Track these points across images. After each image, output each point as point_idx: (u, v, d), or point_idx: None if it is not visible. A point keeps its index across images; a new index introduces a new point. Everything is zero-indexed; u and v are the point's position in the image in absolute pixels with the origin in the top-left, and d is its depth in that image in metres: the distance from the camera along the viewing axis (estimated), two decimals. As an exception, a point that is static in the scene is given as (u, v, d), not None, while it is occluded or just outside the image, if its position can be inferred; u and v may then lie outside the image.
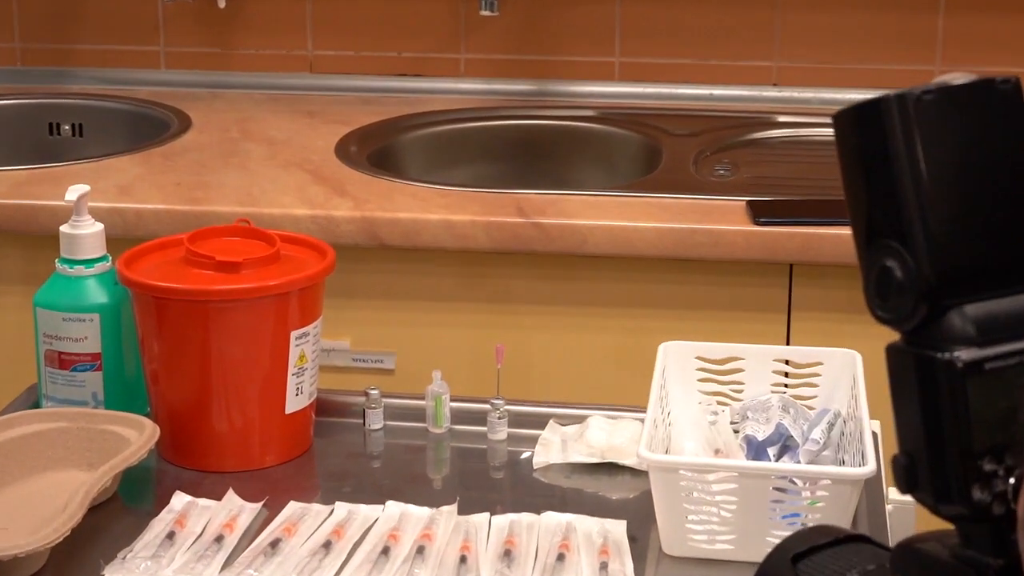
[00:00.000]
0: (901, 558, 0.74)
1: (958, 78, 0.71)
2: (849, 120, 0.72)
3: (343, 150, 2.16)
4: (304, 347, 1.37)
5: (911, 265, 0.69)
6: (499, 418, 1.44)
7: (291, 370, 1.36)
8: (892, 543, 1.22)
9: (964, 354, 0.69)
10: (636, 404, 1.39)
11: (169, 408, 1.36)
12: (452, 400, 1.46)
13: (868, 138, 0.71)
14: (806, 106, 2.36)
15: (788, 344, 1.86)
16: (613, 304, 1.93)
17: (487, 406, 1.45)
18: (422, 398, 1.45)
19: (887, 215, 0.70)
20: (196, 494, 1.30)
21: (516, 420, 1.46)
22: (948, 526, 0.72)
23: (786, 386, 1.41)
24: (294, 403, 1.38)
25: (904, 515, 1.30)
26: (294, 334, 1.36)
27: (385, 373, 1.96)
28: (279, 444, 1.39)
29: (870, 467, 1.17)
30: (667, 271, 1.90)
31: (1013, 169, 0.71)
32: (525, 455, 1.41)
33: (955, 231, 0.70)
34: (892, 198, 0.70)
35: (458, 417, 1.46)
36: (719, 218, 1.88)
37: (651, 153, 2.20)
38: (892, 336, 0.72)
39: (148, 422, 1.32)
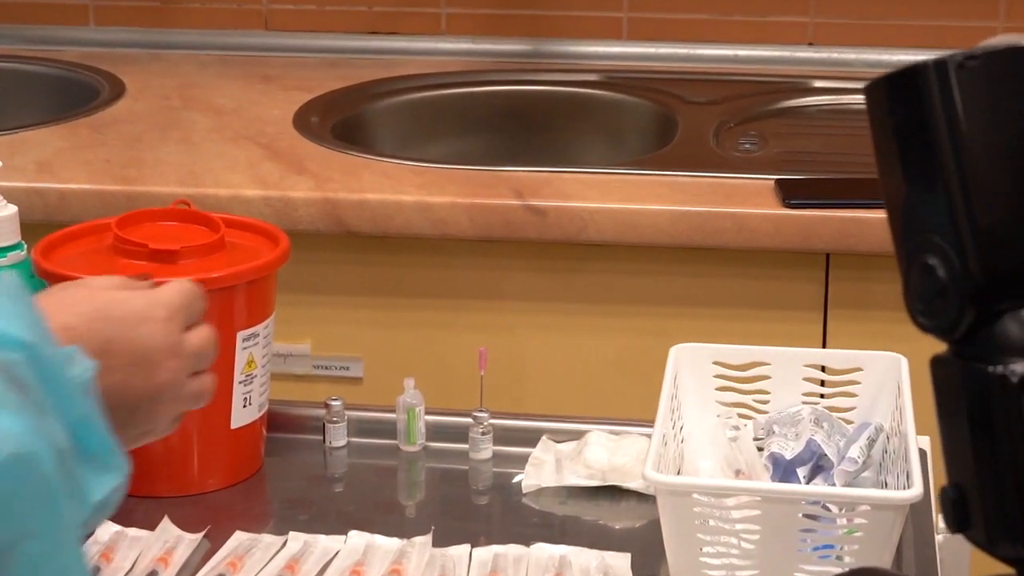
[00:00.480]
0: None
1: (1009, 40, 0.70)
2: (881, 92, 0.71)
3: (303, 121, 2.16)
4: (253, 350, 1.36)
5: (956, 263, 0.69)
6: (482, 434, 1.44)
7: (237, 377, 1.36)
8: (943, 578, 1.24)
9: (1020, 367, 0.68)
10: (644, 418, 1.39)
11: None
12: (428, 413, 1.46)
13: (904, 113, 0.70)
14: (846, 69, 2.36)
15: (824, 347, 1.86)
16: (618, 301, 1.93)
17: (468, 420, 1.45)
18: (392, 411, 1.45)
19: (927, 204, 0.70)
20: (125, 523, 1.29)
21: (503, 436, 1.46)
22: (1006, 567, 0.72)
23: (822, 396, 1.41)
24: (241, 416, 1.37)
25: (957, 547, 1.30)
26: (241, 335, 1.35)
27: (351, 382, 1.96)
28: (223, 464, 1.39)
29: (916, 490, 1.17)
30: (682, 262, 1.90)
31: None
32: (513, 478, 1.40)
33: (1007, 222, 0.69)
34: (933, 184, 0.69)
35: (435, 433, 1.46)
36: (743, 200, 1.88)
37: (664, 124, 2.20)
38: (942, 344, 0.72)
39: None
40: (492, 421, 1.45)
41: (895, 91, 0.71)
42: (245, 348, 1.36)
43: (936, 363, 0.71)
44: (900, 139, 0.71)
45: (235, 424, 1.37)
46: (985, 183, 0.69)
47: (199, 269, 1.34)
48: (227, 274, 1.34)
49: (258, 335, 1.37)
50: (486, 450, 1.44)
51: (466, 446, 1.45)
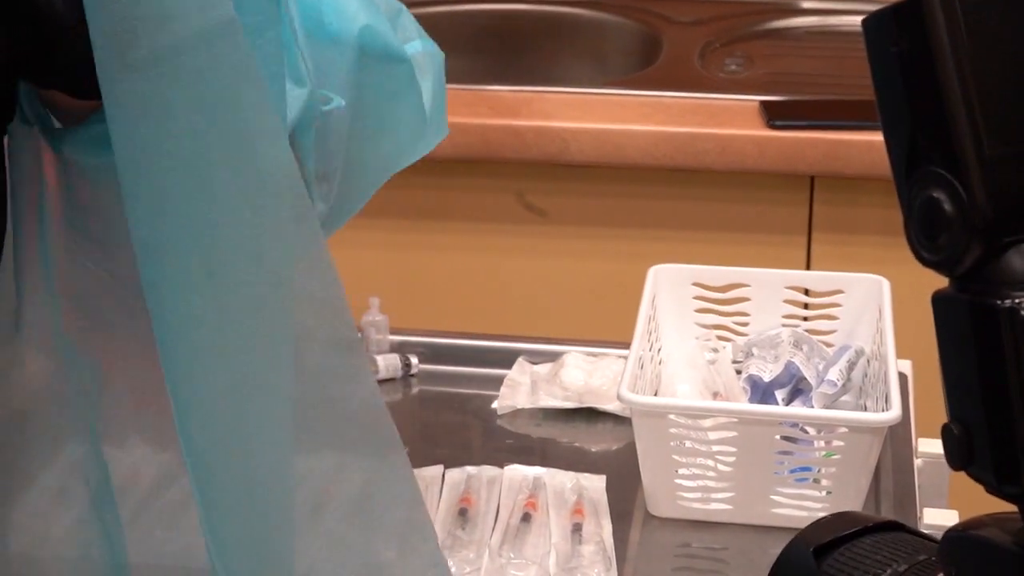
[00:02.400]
0: (953, 549, 0.73)
1: None
2: (883, 24, 0.70)
3: None
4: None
5: (963, 195, 0.68)
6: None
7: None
8: (921, 504, 1.23)
9: None
10: (622, 340, 1.38)
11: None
12: (401, 333, 1.45)
13: (907, 45, 0.69)
14: (836, -11, 2.33)
15: (808, 270, 1.85)
16: (599, 222, 1.91)
17: (446, 341, 1.45)
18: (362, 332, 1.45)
19: (932, 137, 0.68)
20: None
21: (479, 357, 1.46)
22: (999, 504, 0.71)
23: (805, 319, 1.40)
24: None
25: (936, 471, 1.30)
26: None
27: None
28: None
29: (894, 412, 1.16)
30: (664, 183, 1.88)
31: None
32: (488, 399, 1.40)
33: (1015, 153, 0.68)
34: (938, 116, 0.68)
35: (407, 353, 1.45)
36: (727, 121, 1.86)
37: (649, 44, 2.18)
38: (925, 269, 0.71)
39: None
40: (469, 342, 1.45)
41: (898, 22, 0.69)
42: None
43: (939, 299, 0.70)
44: (904, 71, 0.70)
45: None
46: (992, 114, 0.68)
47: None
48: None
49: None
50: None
51: (438, 367, 1.44)
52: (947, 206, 0.68)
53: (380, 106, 0.85)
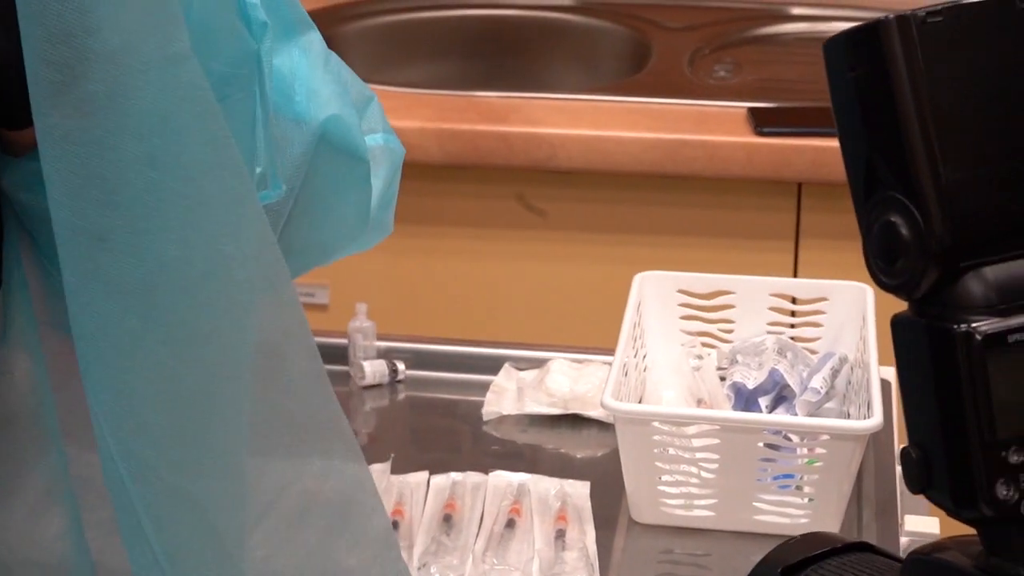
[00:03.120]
0: (915, 572, 0.74)
1: None
2: (841, 48, 0.70)
3: (271, 43, 2.14)
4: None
5: (919, 221, 0.68)
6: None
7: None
8: (903, 511, 1.24)
9: (984, 325, 0.68)
10: (608, 347, 1.39)
11: None
12: (388, 339, 1.46)
13: (864, 70, 0.69)
14: (825, -4, 2.34)
15: (795, 278, 1.86)
16: (587, 228, 1.92)
17: (438, 347, 1.46)
18: (353, 337, 1.45)
19: (890, 162, 0.69)
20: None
21: (465, 363, 1.46)
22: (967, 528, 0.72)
23: (792, 326, 1.41)
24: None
25: (919, 478, 1.30)
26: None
27: (316, 309, 1.95)
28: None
29: (875, 420, 1.17)
30: (652, 189, 1.89)
31: None
32: (474, 404, 1.40)
33: (970, 179, 0.68)
34: (895, 141, 0.68)
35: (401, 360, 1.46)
36: (715, 128, 1.87)
37: (639, 50, 2.19)
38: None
39: None
40: (456, 348, 1.45)
41: (856, 47, 0.70)
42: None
43: (898, 323, 0.71)
44: (861, 95, 0.70)
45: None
46: (948, 140, 0.68)
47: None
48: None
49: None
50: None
51: (426, 373, 1.45)
52: (904, 231, 0.69)
53: (327, 196, 0.84)
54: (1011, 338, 0.68)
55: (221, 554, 0.73)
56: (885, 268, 0.70)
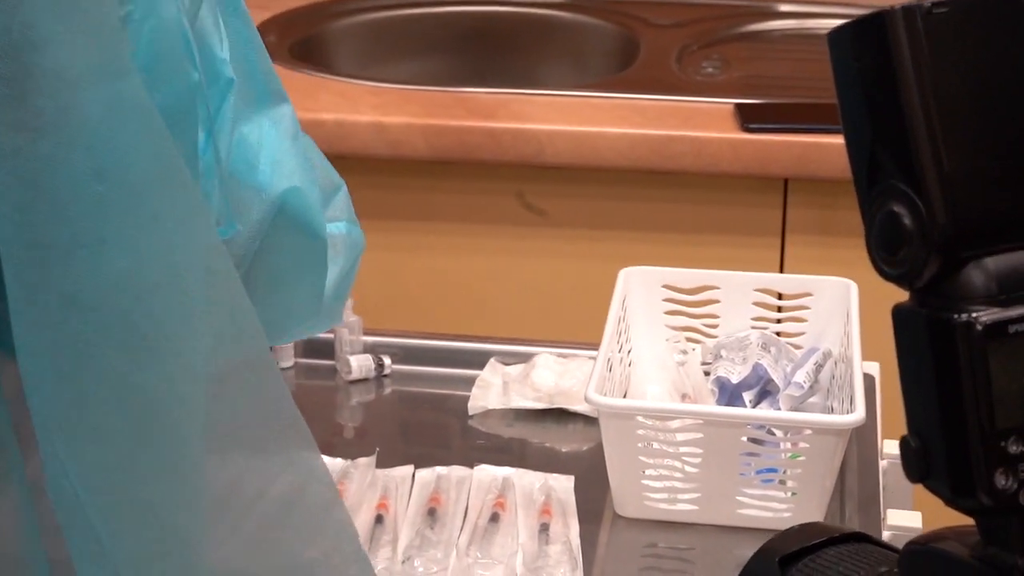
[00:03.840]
0: (912, 561, 0.74)
1: None
2: (846, 39, 0.70)
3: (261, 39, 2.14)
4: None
5: (922, 211, 0.68)
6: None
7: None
8: (886, 505, 1.24)
9: (985, 315, 0.68)
10: (594, 341, 1.39)
11: None
12: (374, 334, 1.46)
13: (870, 60, 0.69)
14: (813, -7, 2.34)
15: (782, 273, 1.86)
16: (574, 224, 1.92)
17: (424, 342, 1.46)
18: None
19: (894, 152, 0.69)
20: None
21: (452, 358, 1.47)
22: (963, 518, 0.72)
23: (779, 321, 1.41)
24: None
25: (902, 472, 1.30)
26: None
27: (305, 304, 1.96)
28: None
29: (858, 415, 1.17)
30: (639, 185, 1.89)
31: None
32: (460, 399, 1.40)
33: (974, 170, 0.68)
34: (899, 132, 0.69)
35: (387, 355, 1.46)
36: (703, 124, 1.87)
37: (627, 47, 2.19)
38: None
39: None
40: (442, 343, 1.46)
41: (861, 37, 0.70)
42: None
43: (898, 312, 0.71)
44: (866, 85, 0.70)
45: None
46: (951, 131, 0.69)
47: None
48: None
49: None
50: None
51: (412, 368, 1.45)
52: (907, 221, 0.69)
53: (280, 272, 0.83)
54: (1012, 328, 0.68)
55: (181, 557, 0.73)
56: (887, 258, 0.70)
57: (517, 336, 1.55)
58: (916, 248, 0.69)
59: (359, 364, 1.43)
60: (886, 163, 0.70)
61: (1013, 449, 0.69)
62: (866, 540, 0.83)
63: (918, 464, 0.70)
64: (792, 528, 0.84)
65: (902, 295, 0.72)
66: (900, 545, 0.76)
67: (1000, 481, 0.68)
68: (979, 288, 0.69)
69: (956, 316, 0.68)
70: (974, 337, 0.68)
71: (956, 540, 0.72)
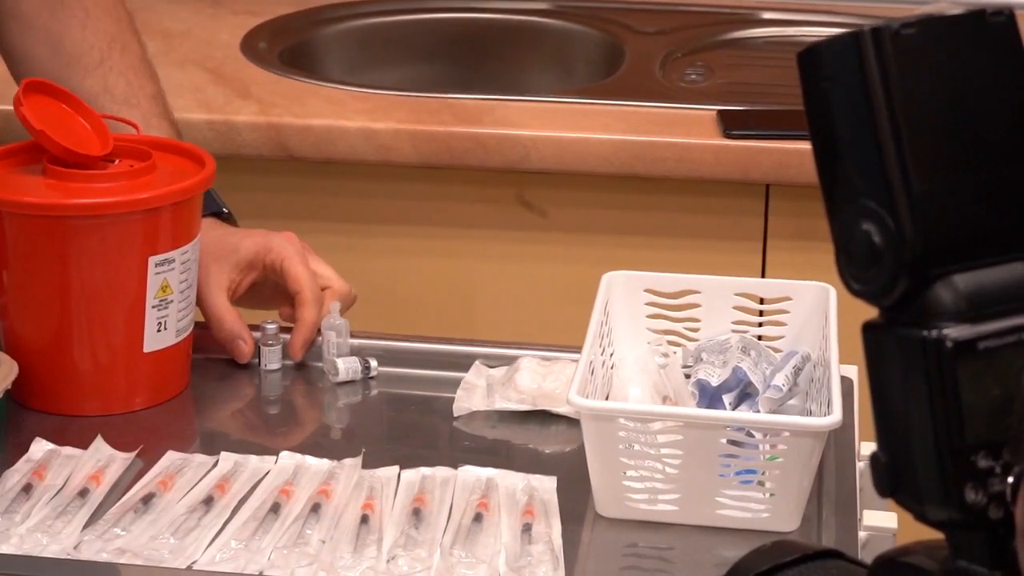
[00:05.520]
0: (882, 574, 0.75)
1: (944, 8, 0.70)
2: (816, 60, 0.71)
3: (250, 45, 2.15)
4: (168, 276, 1.37)
5: (892, 229, 0.69)
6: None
7: (150, 302, 1.36)
8: (862, 506, 1.25)
9: (954, 332, 0.68)
10: (577, 344, 1.40)
11: (22, 344, 1.37)
12: (361, 337, 1.47)
13: (839, 81, 0.70)
14: (795, 1, 2.35)
15: (763, 277, 1.87)
16: (559, 228, 1.93)
17: (408, 345, 1.46)
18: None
19: (862, 170, 0.70)
20: (59, 442, 1.30)
21: (437, 361, 1.47)
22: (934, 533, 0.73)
23: (760, 324, 1.42)
24: (155, 340, 1.38)
25: (879, 474, 1.32)
26: (153, 260, 1.35)
27: (292, 307, 1.96)
28: (146, 384, 1.40)
29: (834, 418, 1.18)
30: (623, 190, 1.90)
31: (1007, 116, 0.70)
32: (446, 401, 1.41)
33: (942, 188, 0.69)
34: (869, 151, 0.69)
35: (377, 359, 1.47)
36: (686, 130, 1.88)
37: (612, 53, 2.20)
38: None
39: (4, 357, 1.33)
40: (428, 346, 1.46)
41: (831, 58, 0.71)
42: (158, 273, 1.36)
43: (868, 329, 0.71)
44: (836, 105, 0.71)
45: (148, 348, 1.37)
46: (921, 149, 0.69)
47: (125, 190, 1.34)
48: (152, 196, 1.34)
49: (174, 260, 1.36)
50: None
51: (398, 370, 1.46)
52: (877, 239, 0.69)
53: None
54: (980, 345, 0.69)
55: None
56: (857, 275, 0.71)
57: (502, 339, 1.55)
58: (886, 266, 0.69)
59: (346, 367, 1.43)
60: (855, 182, 0.70)
61: (982, 464, 0.69)
62: (839, 557, 0.83)
63: (887, 479, 0.71)
64: (764, 545, 0.84)
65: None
66: (876, 548, 0.76)
67: (970, 496, 0.69)
68: (948, 305, 0.69)
69: (926, 333, 0.69)
70: (944, 354, 0.68)
71: (925, 554, 0.73)
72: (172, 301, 1.38)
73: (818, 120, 0.72)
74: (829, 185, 0.72)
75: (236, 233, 1.47)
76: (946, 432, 0.69)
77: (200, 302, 1.43)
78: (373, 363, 1.44)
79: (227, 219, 1.50)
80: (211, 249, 1.44)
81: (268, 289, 1.47)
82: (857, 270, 0.71)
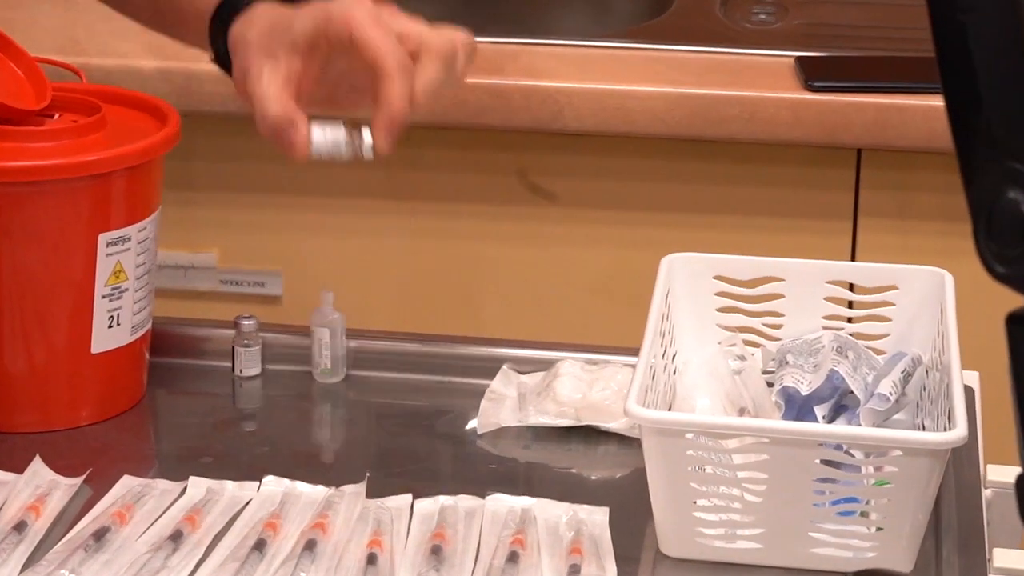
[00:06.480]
0: None
1: None
2: None
3: (212, -22, 2.15)
4: (122, 258, 1.37)
5: None
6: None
7: (100, 291, 1.37)
8: (991, 543, 1.25)
9: None
10: (628, 345, 1.40)
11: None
12: (359, 336, 1.47)
13: (980, 11, 0.70)
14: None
15: (854, 262, 1.87)
16: (601, 205, 1.93)
17: (405, 344, 1.47)
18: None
19: (1009, 125, 0.70)
20: (-13, 465, 1.31)
21: (454, 366, 1.47)
22: None
23: (849, 320, 1.42)
24: (106, 339, 1.39)
25: (1010, 504, 1.31)
26: (104, 238, 1.36)
27: (267, 300, 1.96)
28: (93, 393, 1.40)
29: (959, 432, 1.18)
30: (679, 157, 1.91)
31: None
32: (467, 416, 1.41)
33: None
34: (1017, 101, 0.69)
35: (368, 361, 1.48)
36: (755, 81, 1.88)
37: (661, -12, 2.21)
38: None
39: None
40: (443, 348, 1.46)
41: None
42: (111, 255, 1.36)
43: (1014, 320, 0.71)
44: (975, 42, 0.71)
45: (97, 348, 1.38)
46: None
47: (68, 151, 1.34)
48: (101, 158, 1.34)
49: (129, 239, 1.37)
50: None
51: (406, 376, 1.46)
52: None
53: None
54: None
55: None
56: (999, 254, 0.71)
57: (534, 339, 1.55)
58: None
59: (325, 136, 1.24)
60: (1000, 139, 0.70)
61: None
62: None
63: None
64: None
65: (1005, 287, 0.73)
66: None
67: None
68: None
69: None
70: None
71: None
72: (127, 290, 1.38)
73: (952, 62, 0.72)
74: (966, 144, 0.72)
75: (288, 13, 1.28)
76: None
77: (247, 89, 1.27)
78: (367, 137, 1.24)
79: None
80: (263, 42, 1.27)
81: (359, 75, 1.29)
82: (1000, 248, 0.70)
